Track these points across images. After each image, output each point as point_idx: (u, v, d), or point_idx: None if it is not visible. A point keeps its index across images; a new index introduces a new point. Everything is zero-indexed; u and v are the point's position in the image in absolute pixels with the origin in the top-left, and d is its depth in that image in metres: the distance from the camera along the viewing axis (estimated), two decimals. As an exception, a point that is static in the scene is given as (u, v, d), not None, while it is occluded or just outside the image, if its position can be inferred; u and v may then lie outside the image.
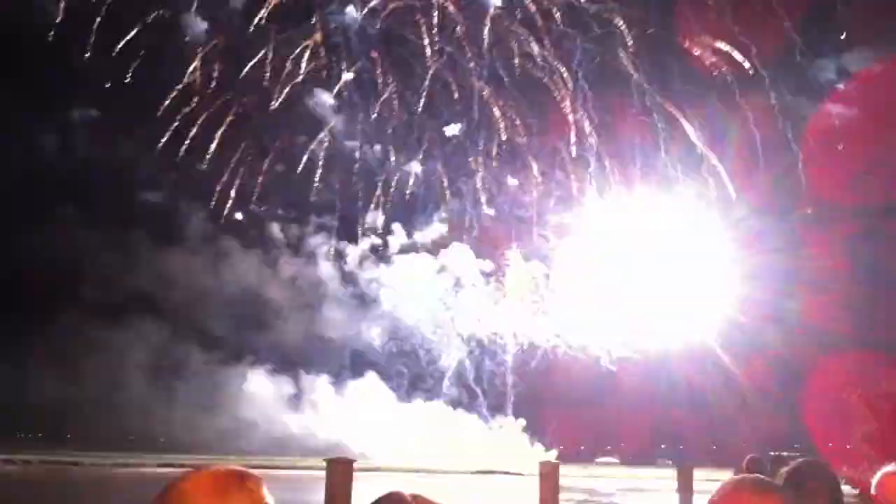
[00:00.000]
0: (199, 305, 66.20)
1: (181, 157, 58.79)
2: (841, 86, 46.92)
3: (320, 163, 61.20)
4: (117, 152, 58.73)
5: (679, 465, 11.59)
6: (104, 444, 59.89)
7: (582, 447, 78.82)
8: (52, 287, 53.28)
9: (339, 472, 6.86)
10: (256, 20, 52.23)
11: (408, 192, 63.34)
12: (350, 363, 66.43)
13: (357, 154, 61.40)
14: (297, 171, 61.40)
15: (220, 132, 55.53)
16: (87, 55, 51.46)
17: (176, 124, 54.78)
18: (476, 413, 67.49)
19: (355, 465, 9.99)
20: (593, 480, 39.11)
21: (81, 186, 56.06)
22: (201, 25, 55.25)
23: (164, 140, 56.69)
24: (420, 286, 70.26)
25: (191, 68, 54.11)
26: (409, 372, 68.07)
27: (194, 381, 63.45)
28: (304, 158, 59.46)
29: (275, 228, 69.90)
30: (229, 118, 55.33)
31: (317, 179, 61.89)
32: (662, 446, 74.09)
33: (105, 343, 59.91)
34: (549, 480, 8.80)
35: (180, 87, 53.93)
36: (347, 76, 58.01)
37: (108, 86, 52.81)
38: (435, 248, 68.38)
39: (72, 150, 56.95)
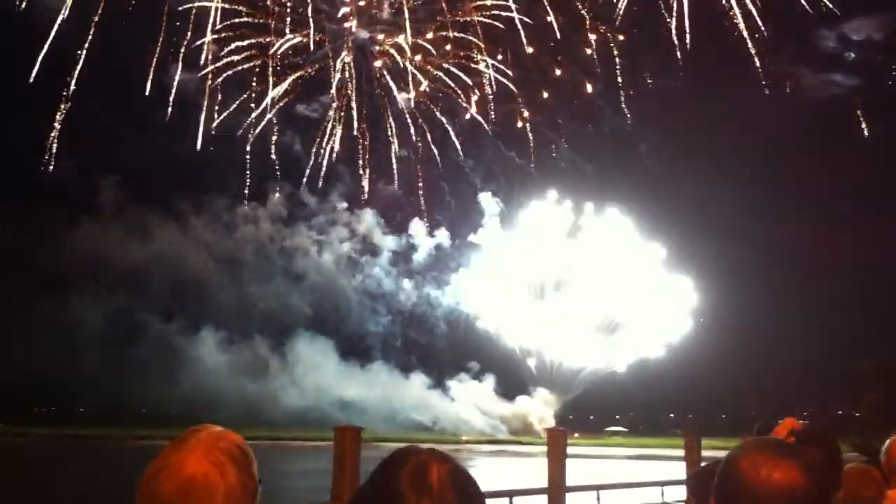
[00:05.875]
0: (132, 278, 65.45)
1: (82, 129, 59.01)
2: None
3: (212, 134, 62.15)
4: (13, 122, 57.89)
5: (686, 432, 11.62)
6: (60, 416, 59.20)
7: (591, 417, 78.88)
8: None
9: (348, 440, 6.95)
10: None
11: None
12: (285, 330, 65.90)
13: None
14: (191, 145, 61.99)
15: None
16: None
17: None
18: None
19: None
20: (602, 449, 39.26)
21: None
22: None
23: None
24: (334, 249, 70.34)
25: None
26: (343, 337, 67.48)
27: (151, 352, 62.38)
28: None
29: (184, 198, 68.98)
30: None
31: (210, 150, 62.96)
32: (671, 415, 73.97)
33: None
34: (556, 447, 8.85)
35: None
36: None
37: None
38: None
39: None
